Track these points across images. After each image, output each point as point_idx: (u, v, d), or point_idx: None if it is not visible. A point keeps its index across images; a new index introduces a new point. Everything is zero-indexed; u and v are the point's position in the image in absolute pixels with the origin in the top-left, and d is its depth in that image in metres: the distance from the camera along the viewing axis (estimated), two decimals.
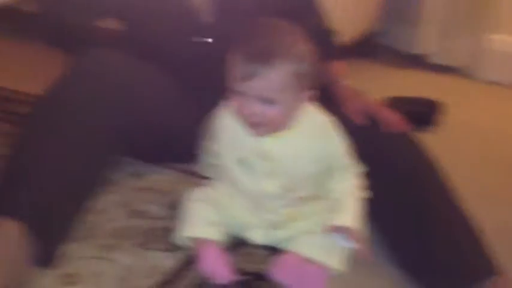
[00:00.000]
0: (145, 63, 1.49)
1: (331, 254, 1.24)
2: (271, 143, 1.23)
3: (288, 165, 1.25)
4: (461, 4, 2.67)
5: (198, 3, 1.50)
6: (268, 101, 1.15)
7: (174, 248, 1.32)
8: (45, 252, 1.21)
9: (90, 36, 1.63)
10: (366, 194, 1.27)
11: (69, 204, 1.28)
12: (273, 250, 1.32)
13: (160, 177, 1.57)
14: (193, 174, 1.54)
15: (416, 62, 2.79)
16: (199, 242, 1.26)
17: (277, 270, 1.24)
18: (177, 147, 1.52)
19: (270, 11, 1.28)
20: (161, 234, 1.37)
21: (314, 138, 1.24)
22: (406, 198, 1.30)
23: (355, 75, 2.06)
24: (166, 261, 1.29)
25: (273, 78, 1.12)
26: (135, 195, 1.53)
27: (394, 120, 1.40)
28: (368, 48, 2.86)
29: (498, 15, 2.62)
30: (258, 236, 1.32)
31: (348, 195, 1.25)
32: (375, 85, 2.42)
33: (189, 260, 1.28)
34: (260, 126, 1.19)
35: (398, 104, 2.08)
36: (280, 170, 1.25)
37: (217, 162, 1.34)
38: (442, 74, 2.73)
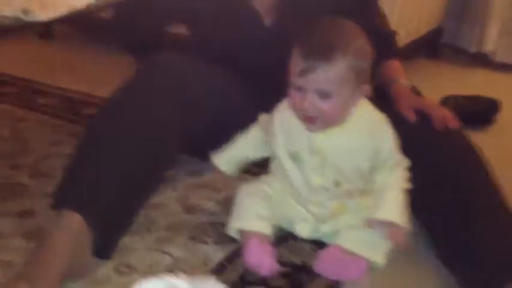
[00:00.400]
0: (211, 65, 1.55)
1: (373, 249, 1.28)
2: (323, 138, 1.27)
3: (338, 160, 1.29)
4: None
5: (260, 7, 1.57)
6: (324, 95, 1.20)
7: (224, 241, 1.39)
8: (104, 244, 1.28)
9: (160, 42, 1.73)
10: (410, 186, 1.29)
11: (129, 200, 1.33)
12: (318, 244, 1.36)
13: (216, 175, 1.62)
14: (247, 172, 1.60)
15: (481, 60, 2.77)
16: (248, 234, 1.32)
17: (320, 263, 1.28)
18: None
19: (329, 11, 1.30)
20: (213, 229, 1.44)
21: (366, 134, 1.28)
22: (453, 195, 1.30)
23: (418, 74, 2.07)
24: (217, 254, 1.36)
25: (331, 72, 1.17)
26: (191, 192, 1.61)
27: (446, 117, 1.40)
28: (432, 47, 2.87)
29: None
30: (304, 229, 1.36)
31: (392, 188, 1.28)
32: (438, 84, 2.44)
33: (237, 253, 1.34)
34: (315, 121, 1.24)
35: (458, 102, 2.12)
36: (329, 165, 1.29)
37: (272, 156, 1.40)
38: (506, 73, 2.69)
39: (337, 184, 1.31)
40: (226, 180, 1.60)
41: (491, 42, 2.72)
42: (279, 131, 1.34)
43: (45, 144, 1.86)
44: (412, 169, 1.30)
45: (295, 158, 1.32)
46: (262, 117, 1.42)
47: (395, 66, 1.61)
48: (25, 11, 1.48)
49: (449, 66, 2.79)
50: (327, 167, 1.29)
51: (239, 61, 1.58)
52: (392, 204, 1.26)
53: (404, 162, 1.30)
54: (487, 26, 2.71)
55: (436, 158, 1.34)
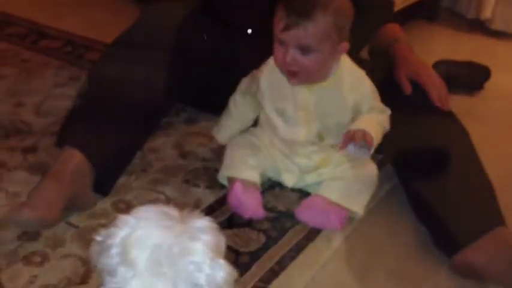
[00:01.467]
0: (208, 19, 1.60)
1: (353, 200, 1.38)
2: (307, 95, 1.35)
3: (321, 115, 1.37)
4: None
5: None
6: (305, 50, 1.26)
7: (215, 186, 1.48)
8: (103, 180, 1.39)
9: None
10: (387, 128, 1.37)
11: (126, 142, 1.42)
12: (303, 193, 1.46)
13: (211, 123, 1.70)
14: None
15: (478, 26, 2.79)
16: (235, 181, 1.41)
17: (302, 211, 1.38)
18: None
19: None
20: (205, 174, 1.53)
21: (347, 89, 1.36)
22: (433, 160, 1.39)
23: (415, 36, 2.14)
24: (208, 198, 1.45)
25: (312, 28, 1.24)
26: (186, 139, 1.69)
27: (442, 97, 1.48)
28: (430, 10, 2.87)
29: None
30: (289, 179, 1.45)
31: (370, 116, 1.35)
32: (433, 47, 2.49)
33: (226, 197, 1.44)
34: (296, 76, 1.31)
35: (449, 67, 2.12)
36: (313, 119, 1.37)
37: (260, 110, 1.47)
38: (501, 40, 2.72)
39: (321, 138, 1.40)
40: None
41: (488, 9, 2.74)
42: (265, 88, 1.41)
43: (49, 86, 1.93)
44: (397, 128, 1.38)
45: (281, 113, 1.40)
46: (243, 82, 1.48)
47: (396, 28, 1.65)
48: None
49: (446, 31, 2.82)
50: (311, 121, 1.37)
51: (237, 16, 1.62)
52: (366, 121, 1.33)
53: (386, 110, 1.38)
54: None
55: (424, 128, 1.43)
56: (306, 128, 1.39)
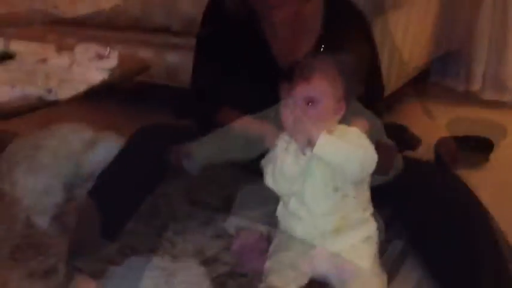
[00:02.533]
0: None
1: (360, 254, 1.28)
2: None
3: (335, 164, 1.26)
4: (510, 39, 2.71)
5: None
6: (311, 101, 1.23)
7: (221, 235, 1.47)
8: (110, 228, 1.40)
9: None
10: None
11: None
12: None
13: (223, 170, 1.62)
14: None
15: (468, 98, 2.82)
16: (242, 231, 1.39)
17: (308, 264, 1.29)
18: None
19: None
20: (212, 221, 1.52)
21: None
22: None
23: (410, 116, 2.16)
24: (212, 245, 1.44)
25: (317, 81, 1.23)
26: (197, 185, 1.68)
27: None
28: (420, 88, 2.88)
29: None
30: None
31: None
32: (431, 124, 2.42)
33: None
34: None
35: (450, 145, 2.14)
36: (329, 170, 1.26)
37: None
38: (493, 109, 2.73)
39: (335, 189, 1.28)
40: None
41: (479, 80, 2.79)
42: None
43: None
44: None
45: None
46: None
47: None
48: (48, 90, 1.57)
49: (439, 106, 2.73)
50: (327, 171, 1.27)
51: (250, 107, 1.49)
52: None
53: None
54: (472, 65, 2.78)
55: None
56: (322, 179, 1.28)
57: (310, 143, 1.18)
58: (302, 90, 1.25)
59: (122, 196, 1.43)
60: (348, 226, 1.27)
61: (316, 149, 1.18)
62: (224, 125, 1.40)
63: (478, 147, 2.19)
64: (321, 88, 1.25)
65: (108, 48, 1.89)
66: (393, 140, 1.29)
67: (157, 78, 2.57)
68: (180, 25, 2.49)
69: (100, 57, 1.86)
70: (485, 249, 1.29)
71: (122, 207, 1.43)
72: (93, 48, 1.87)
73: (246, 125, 1.40)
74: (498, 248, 1.31)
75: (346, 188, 1.26)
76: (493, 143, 2.18)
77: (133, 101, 2.65)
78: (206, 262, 1.36)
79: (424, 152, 2.05)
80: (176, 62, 2.53)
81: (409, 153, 1.19)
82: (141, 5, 2.58)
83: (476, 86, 2.81)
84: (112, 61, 1.86)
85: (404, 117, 1.65)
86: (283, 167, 1.24)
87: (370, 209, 1.29)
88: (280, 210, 1.31)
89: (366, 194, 1.29)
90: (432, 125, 2.43)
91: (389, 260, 1.43)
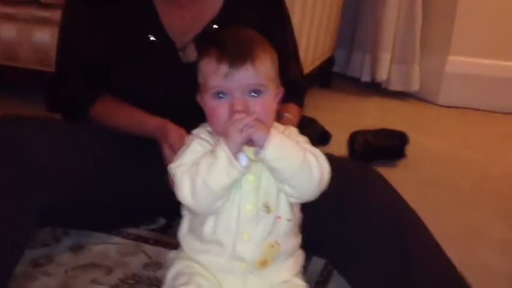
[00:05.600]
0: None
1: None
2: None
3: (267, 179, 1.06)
4: (415, 30, 2.65)
5: (176, 38, 1.37)
6: (257, 90, 1.02)
7: None
8: None
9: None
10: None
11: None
12: None
13: (106, 248, 1.34)
14: (147, 240, 1.40)
15: (373, 88, 2.75)
16: None
17: None
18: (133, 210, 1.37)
19: None
20: None
21: None
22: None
23: (314, 105, 2.05)
24: None
25: (260, 66, 1.01)
26: (75, 275, 1.26)
27: None
28: (325, 76, 2.81)
29: (452, 38, 2.61)
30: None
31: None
32: (334, 114, 2.41)
33: None
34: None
35: (366, 139, 2.05)
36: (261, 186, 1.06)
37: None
38: (399, 100, 2.71)
39: (267, 208, 1.05)
40: (120, 255, 1.33)
41: (383, 71, 2.69)
42: None
43: None
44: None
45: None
46: None
47: (291, 107, 1.43)
48: None
49: (343, 96, 2.74)
50: (260, 188, 1.06)
51: (151, 99, 1.36)
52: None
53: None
54: (378, 55, 2.68)
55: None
56: (254, 196, 1.06)
57: (257, 144, 0.98)
58: (243, 78, 1.00)
59: None
60: (277, 256, 1.07)
61: (267, 151, 0.97)
62: (103, 118, 1.31)
63: (394, 141, 2.11)
64: (265, 72, 1.03)
65: None
66: (306, 135, 1.11)
67: (23, 62, 2.29)
68: None
69: None
70: (419, 255, 1.15)
71: None
72: None
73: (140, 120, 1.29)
74: (432, 248, 1.18)
75: (281, 208, 1.04)
76: (407, 136, 2.09)
77: None
78: None
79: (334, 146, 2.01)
80: (46, 41, 2.21)
81: (321, 149, 1.05)
82: None
83: (382, 77, 2.71)
84: None
85: (308, 107, 1.54)
86: (210, 178, 0.98)
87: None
88: (184, 232, 1.08)
89: (300, 217, 1.11)
90: (339, 117, 2.38)
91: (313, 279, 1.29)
